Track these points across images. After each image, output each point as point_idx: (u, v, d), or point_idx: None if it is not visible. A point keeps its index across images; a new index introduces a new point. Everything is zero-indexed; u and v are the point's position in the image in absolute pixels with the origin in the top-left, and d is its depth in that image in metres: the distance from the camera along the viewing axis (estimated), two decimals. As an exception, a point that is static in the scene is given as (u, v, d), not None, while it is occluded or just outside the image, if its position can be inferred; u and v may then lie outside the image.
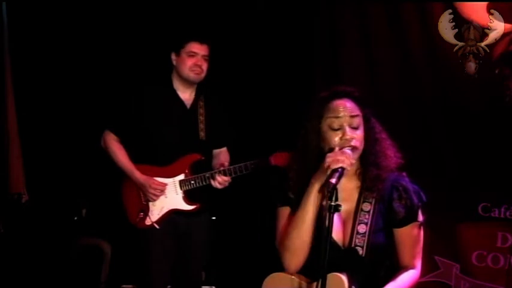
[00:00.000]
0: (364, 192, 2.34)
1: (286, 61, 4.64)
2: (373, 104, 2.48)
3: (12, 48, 4.76)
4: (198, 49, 3.71)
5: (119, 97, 3.86)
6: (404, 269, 2.35)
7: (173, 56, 3.75)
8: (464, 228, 4.12)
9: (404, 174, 2.40)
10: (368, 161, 2.34)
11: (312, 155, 2.34)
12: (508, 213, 4.03)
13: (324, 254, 2.02)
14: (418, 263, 2.39)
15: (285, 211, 2.41)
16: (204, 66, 3.73)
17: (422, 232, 2.40)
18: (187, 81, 3.75)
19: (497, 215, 4.05)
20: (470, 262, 4.10)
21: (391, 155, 2.36)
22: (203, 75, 3.74)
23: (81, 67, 4.90)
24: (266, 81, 4.72)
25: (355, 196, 2.36)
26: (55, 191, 4.87)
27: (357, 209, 2.33)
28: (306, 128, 2.38)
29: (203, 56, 3.72)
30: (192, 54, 3.69)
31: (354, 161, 2.22)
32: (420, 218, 2.35)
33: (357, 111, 2.32)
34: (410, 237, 2.36)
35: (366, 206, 2.32)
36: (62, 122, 4.89)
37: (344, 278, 2.20)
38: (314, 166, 2.26)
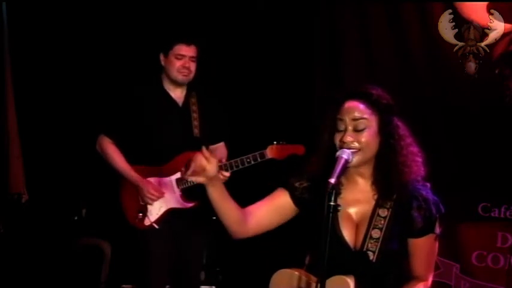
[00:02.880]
0: (382, 197, 2.30)
1: (286, 61, 4.64)
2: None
3: (12, 48, 4.76)
4: (186, 51, 3.70)
5: (111, 100, 3.86)
6: (416, 279, 2.32)
7: (161, 57, 3.75)
8: (464, 228, 4.12)
9: (428, 185, 2.36)
10: (380, 166, 2.29)
11: (323, 152, 2.31)
12: (508, 213, 4.03)
13: (323, 255, 2.00)
14: (430, 277, 2.36)
15: (279, 191, 2.43)
16: (192, 67, 3.73)
17: (437, 245, 2.36)
18: (176, 82, 3.76)
19: (497, 215, 4.05)
20: (470, 262, 4.10)
21: (408, 163, 2.30)
22: (191, 75, 3.74)
23: (81, 67, 4.89)
24: (266, 81, 4.71)
25: (372, 199, 2.31)
26: (55, 191, 4.86)
27: (373, 213, 2.29)
28: (321, 127, 2.35)
29: (191, 57, 3.71)
30: (180, 57, 3.69)
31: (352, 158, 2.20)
32: (437, 230, 2.32)
33: (364, 114, 2.26)
34: (426, 248, 2.33)
35: (383, 212, 2.28)
36: (62, 122, 4.89)
37: (350, 281, 2.18)
38: (326, 165, 2.22)
